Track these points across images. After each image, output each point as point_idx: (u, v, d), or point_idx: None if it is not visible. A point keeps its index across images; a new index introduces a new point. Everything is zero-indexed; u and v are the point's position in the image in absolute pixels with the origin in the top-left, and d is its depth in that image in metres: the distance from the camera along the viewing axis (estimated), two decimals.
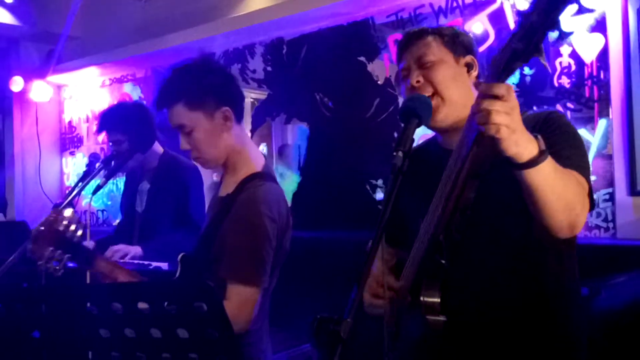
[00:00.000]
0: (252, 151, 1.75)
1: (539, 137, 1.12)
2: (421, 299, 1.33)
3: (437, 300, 1.33)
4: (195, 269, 1.69)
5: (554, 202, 1.17)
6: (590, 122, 2.57)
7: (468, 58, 1.47)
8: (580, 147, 1.36)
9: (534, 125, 1.35)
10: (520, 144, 1.08)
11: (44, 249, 1.62)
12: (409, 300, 1.37)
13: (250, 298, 1.56)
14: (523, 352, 1.37)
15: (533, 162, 1.10)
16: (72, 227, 1.63)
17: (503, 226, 1.35)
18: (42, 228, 1.64)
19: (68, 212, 1.66)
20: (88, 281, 1.87)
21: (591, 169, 2.47)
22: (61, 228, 1.63)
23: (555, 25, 0.97)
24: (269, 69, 3.74)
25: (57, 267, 1.62)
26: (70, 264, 1.69)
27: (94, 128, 4.62)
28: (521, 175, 1.12)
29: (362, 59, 3.33)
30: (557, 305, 1.40)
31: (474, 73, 1.47)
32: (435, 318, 1.32)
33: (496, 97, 1.04)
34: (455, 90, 1.42)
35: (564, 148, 1.31)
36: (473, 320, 1.37)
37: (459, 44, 1.47)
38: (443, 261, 1.30)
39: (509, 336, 1.38)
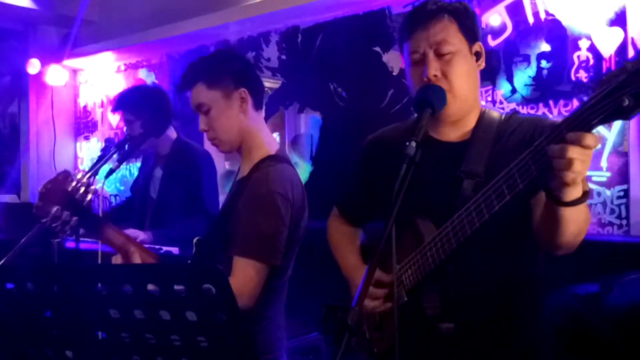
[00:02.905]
0: (266, 137, 1.79)
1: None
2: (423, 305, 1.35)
3: (438, 306, 1.34)
4: (209, 252, 1.70)
5: (572, 233, 1.18)
6: None
7: (477, 46, 1.42)
8: None
9: (533, 131, 1.35)
10: (579, 185, 1.08)
11: (50, 207, 1.55)
12: (405, 300, 1.37)
13: (256, 274, 1.56)
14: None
15: (575, 202, 1.09)
16: (82, 190, 1.56)
17: (496, 234, 1.34)
18: (50, 186, 1.58)
19: (79, 174, 1.60)
20: (100, 261, 1.85)
21: (606, 165, 2.44)
22: (69, 188, 1.55)
23: None
24: (283, 57, 3.72)
25: (65, 229, 1.55)
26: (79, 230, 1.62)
27: (109, 112, 4.65)
28: (557, 209, 1.12)
29: (378, 49, 3.31)
30: (534, 302, 1.44)
31: (481, 61, 1.44)
32: (446, 325, 1.33)
33: (584, 147, 1.01)
34: (467, 85, 1.39)
35: None
36: (469, 325, 1.37)
37: (470, 27, 1.42)
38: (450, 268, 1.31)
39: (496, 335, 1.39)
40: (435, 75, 1.36)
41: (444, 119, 1.41)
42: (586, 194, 1.10)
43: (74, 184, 1.58)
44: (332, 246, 1.71)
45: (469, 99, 1.41)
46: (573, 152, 1.01)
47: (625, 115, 0.94)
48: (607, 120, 0.98)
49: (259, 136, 1.76)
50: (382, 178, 1.51)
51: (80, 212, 1.58)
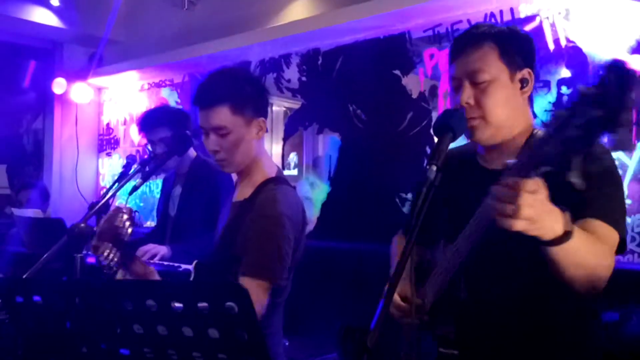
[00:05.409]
0: (265, 160, 1.81)
1: (567, 215, 1.08)
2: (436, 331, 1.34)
3: (451, 332, 1.33)
4: (209, 275, 1.70)
5: (575, 274, 1.16)
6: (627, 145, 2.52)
7: (525, 72, 1.38)
8: (616, 193, 1.32)
9: None
10: (542, 227, 1.05)
11: (104, 247, 1.61)
12: (426, 320, 1.37)
13: (264, 295, 1.56)
14: None
15: (555, 242, 1.08)
16: (127, 224, 1.61)
17: (517, 259, 1.32)
18: (106, 225, 1.63)
19: (127, 208, 1.64)
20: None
21: (627, 193, 2.41)
22: (120, 225, 1.61)
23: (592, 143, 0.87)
24: (303, 79, 3.77)
25: (111, 265, 1.60)
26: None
27: (133, 129, 4.73)
28: (544, 249, 1.10)
29: (397, 72, 3.34)
30: (572, 337, 1.37)
31: (528, 89, 1.40)
32: (448, 351, 1.32)
33: (528, 192, 0.99)
34: (504, 112, 1.37)
35: (597, 196, 1.26)
36: (487, 353, 1.36)
37: (516, 54, 1.38)
38: (460, 294, 1.31)
39: None
40: (467, 103, 1.36)
41: (484, 144, 1.41)
42: (567, 234, 1.07)
43: (122, 218, 1.62)
44: (392, 256, 1.73)
45: (505, 126, 1.38)
46: (515, 198, 0.99)
47: (554, 166, 0.92)
48: (540, 170, 0.96)
49: (259, 159, 1.77)
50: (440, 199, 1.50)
51: (124, 249, 1.63)
